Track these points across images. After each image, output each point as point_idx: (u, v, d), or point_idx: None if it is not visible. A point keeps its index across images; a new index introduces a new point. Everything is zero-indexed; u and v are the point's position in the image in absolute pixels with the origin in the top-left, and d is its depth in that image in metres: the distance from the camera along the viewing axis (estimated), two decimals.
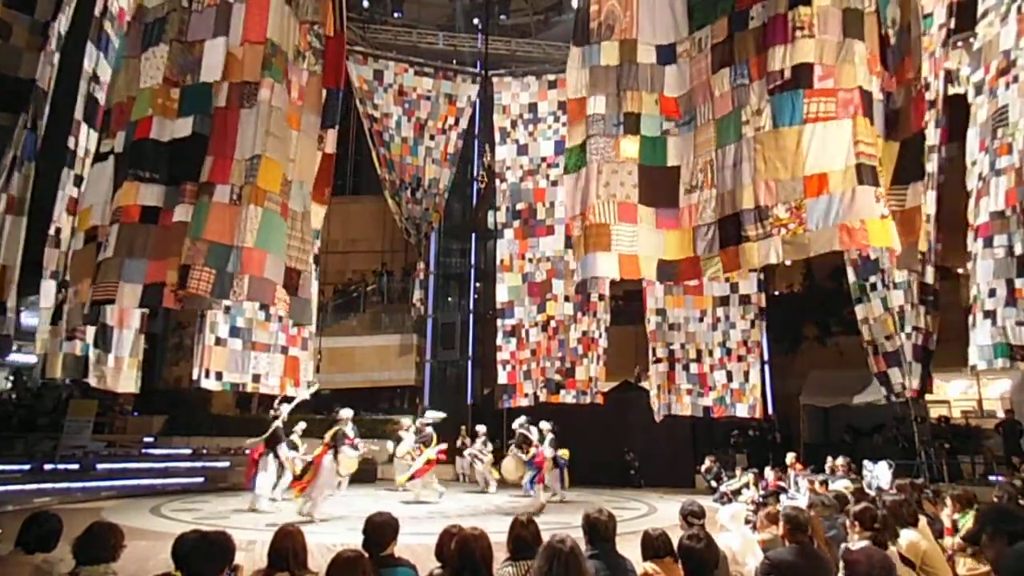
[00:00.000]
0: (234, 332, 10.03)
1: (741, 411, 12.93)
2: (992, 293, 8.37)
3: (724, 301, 13.32)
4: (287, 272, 6.04)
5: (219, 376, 9.90)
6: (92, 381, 7.98)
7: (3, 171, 6.69)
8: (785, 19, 6.06)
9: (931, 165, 9.55)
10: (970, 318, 8.64)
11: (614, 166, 6.60)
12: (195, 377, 9.83)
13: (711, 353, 13.20)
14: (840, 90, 5.78)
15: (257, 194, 5.79)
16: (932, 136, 9.56)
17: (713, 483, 13.69)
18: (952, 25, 9.22)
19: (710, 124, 6.39)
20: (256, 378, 10.28)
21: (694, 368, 13.23)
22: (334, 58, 6.69)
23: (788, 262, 6.12)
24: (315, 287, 11.43)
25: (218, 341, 9.87)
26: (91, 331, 7.67)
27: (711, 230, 6.21)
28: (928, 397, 16.20)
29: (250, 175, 5.83)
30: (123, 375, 8.09)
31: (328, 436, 10.06)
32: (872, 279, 11.60)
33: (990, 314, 8.38)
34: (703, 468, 14.67)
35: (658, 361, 13.52)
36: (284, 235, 6.03)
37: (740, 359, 13.05)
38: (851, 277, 11.96)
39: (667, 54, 6.74)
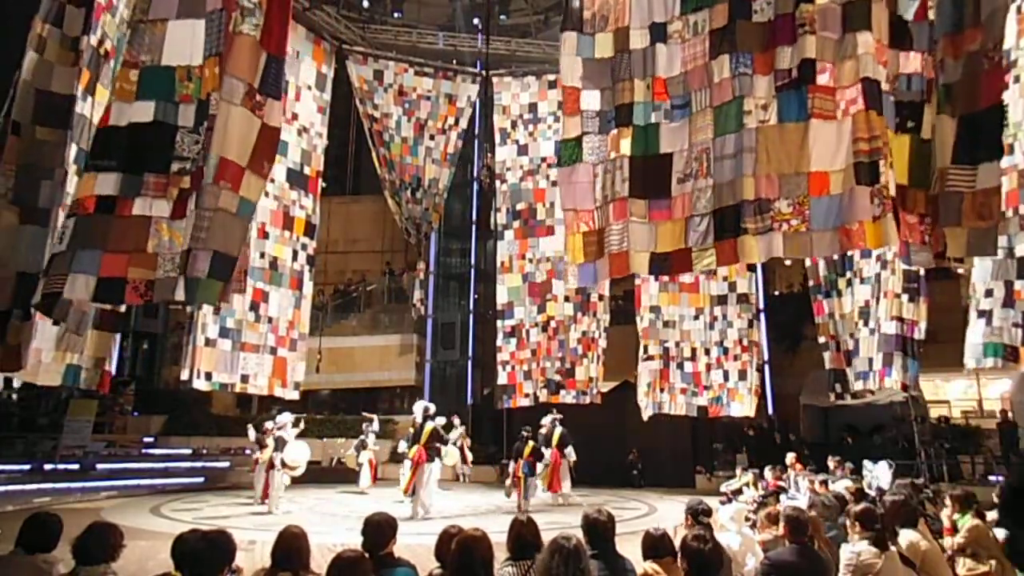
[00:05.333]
0: (224, 333, 9.93)
1: (736, 410, 12.90)
2: (989, 293, 8.35)
3: (722, 300, 13.22)
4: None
5: (208, 376, 9.80)
6: None
7: (56, 187, 6.55)
8: (792, 18, 5.91)
9: None
10: (968, 317, 8.65)
11: (608, 164, 6.56)
12: (184, 378, 9.74)
13: (708, 352, 13.09)
14: (839, 88, 5.68)
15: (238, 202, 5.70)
16: None
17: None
18: None
19: (707, 112, 6.22)
20: (244, 378, 10.15)
21: (688, 367, 13.09)
22: (276, 18, 5.96)
23: (788, 261, 6.07)
24: (310, 287, 11.44)
25: (208, 342, 9.79)
26: None
27: (704, 221, 6.07)
28: (928, 397, 16.26)
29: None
30: (43, 367, 7.56)
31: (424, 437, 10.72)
32: (848, 275, 11.43)
33: (984, 314, 8.40)
34: None
35: (650, 359, 13.34)
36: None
37: (736, 358, 12.99)
38: (822, 271, 11.80)
39: (659, 32, 6.58)
